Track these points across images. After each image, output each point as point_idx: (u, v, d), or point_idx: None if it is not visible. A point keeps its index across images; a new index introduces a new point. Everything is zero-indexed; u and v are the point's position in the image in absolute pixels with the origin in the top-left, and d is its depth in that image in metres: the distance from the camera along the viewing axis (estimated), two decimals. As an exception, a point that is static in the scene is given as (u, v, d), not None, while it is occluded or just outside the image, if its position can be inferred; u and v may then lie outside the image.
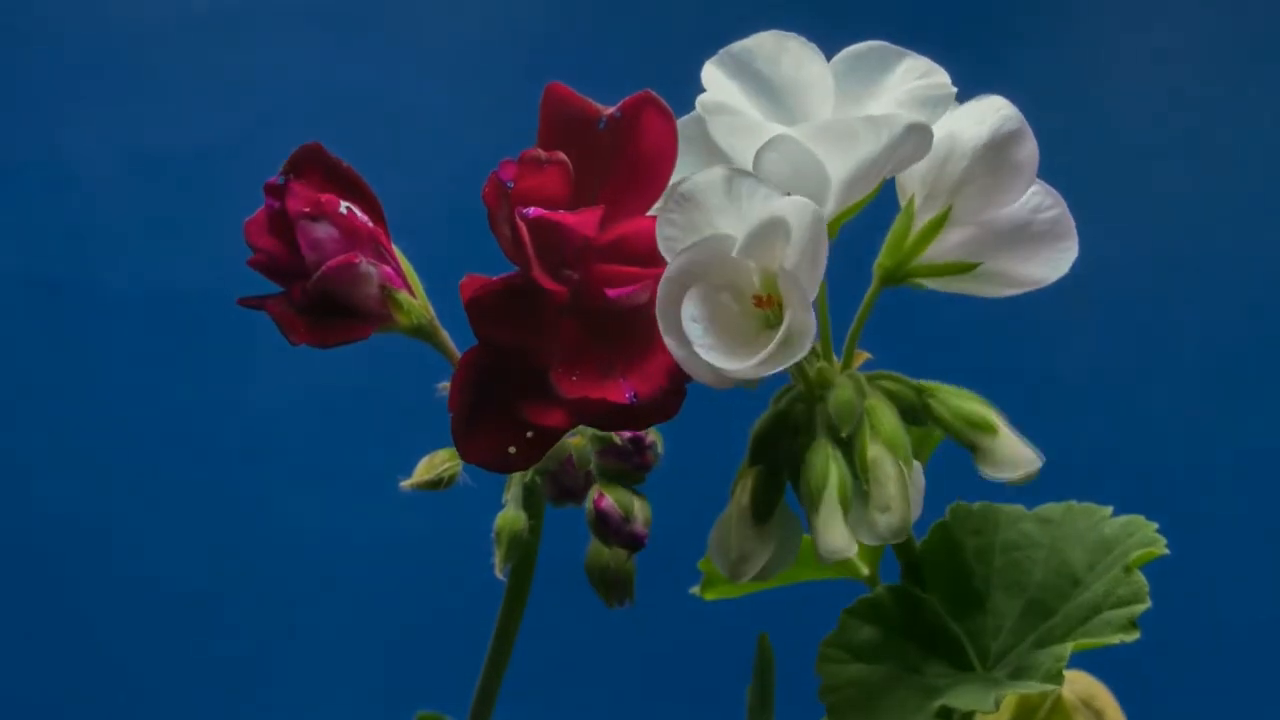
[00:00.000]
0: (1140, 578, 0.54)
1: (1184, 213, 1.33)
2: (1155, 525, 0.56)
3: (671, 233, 0.48)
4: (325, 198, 0.54)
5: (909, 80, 0.51)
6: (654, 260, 0.49)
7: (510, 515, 0.58)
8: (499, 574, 0.59)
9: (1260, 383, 1.31)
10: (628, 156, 0.51)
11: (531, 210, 0.49)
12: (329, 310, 0.54)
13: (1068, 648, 0.53)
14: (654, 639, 1.16)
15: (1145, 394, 1.32)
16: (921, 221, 0.52)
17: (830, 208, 0.50)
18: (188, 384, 1.33)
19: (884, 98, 0.51)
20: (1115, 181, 1.31)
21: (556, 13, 1.39)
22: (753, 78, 0.51)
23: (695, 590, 0.69)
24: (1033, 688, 0.52)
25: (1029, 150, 0.51)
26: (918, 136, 0.49)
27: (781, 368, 0.47)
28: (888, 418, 0.51)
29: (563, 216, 0.50)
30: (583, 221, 0.50)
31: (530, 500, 0.59)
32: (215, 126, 1.35)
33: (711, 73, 0.51)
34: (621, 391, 0.49)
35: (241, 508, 1.32)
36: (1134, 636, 0.53)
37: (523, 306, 0.50)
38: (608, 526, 0.58)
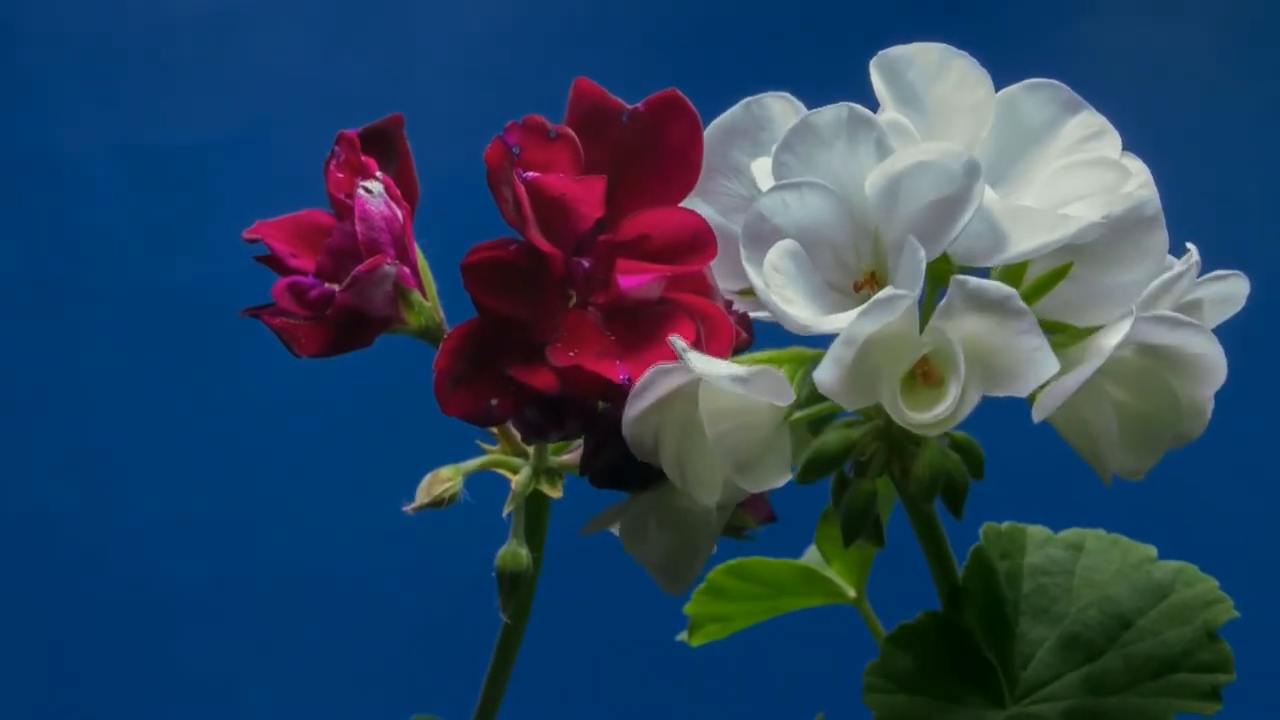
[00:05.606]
0: (1227, 647, 0.53)
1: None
2: (1214, 581, 0.54)
3: (788, 159, 0.47)
4: (367, 160, 0.54)
5: (1078, 138, 0.49)
6: (673, 256, 0.49)
7: (511, 552, 0.56)
8: (504, 617, 0.56)
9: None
10: (650, 152, 0.51)
11: (530, 173, 0.49)
12: (343, 316, 0.52)
13: (1167, 713, 0.51)
14: (655, 646, 1.16)
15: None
16: (1037, 271, 0.49)
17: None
18: (187, 384, 1.33)
19: (1055, 163, 0.49)
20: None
21: (558, 12, 1.38)
22: (905, 87, 0.49)
23: (681, 637, 0.67)
24: None
25: (1159, 240, 0.49)
26: (1094, 231, 0.47)
27: (860, 329, 0.44)
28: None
29: (567, 186, 0.49)
30: (586, 195, 0.49)
31: (532, 528, 0.57)
32: (215, 126, 1.35)
33: (872, 73, 0.49)
34: (616, 371, 0.48)
35: (240, 508, 1.32)
36: (1217, 707, 0.52)
37: (522, 278, 0.49)
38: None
